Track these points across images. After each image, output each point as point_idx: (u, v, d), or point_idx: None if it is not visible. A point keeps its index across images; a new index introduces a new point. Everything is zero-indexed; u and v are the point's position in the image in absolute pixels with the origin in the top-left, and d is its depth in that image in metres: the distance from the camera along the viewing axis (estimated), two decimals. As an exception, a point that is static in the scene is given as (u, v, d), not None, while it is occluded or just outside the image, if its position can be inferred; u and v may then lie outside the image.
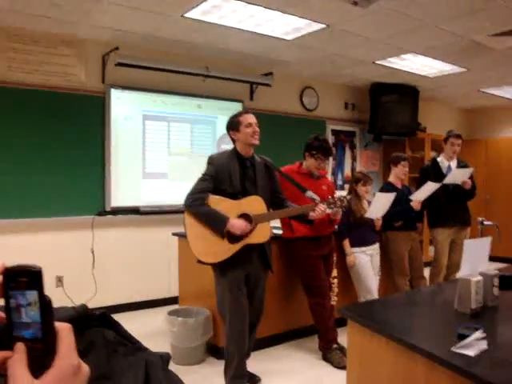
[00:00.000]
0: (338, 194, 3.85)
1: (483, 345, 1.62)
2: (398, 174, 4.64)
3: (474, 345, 1.61)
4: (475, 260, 2.37)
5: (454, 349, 1.59)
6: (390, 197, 4.19)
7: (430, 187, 4.48)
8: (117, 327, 1.33)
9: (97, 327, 1.26)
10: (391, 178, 4.68)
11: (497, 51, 5.20)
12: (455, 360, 1.52)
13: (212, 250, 2.95)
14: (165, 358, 1.30)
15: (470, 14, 4.08)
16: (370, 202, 4.23)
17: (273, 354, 3.98)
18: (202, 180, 3.01)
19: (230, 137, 3.14)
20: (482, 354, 1.56)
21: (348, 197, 3.36)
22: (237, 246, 2.95)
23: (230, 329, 3.06)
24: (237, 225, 2.91)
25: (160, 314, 4.44)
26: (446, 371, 1.54)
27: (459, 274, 2.12)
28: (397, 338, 1.76)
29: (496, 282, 2.13)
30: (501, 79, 6.61)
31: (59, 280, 4.71)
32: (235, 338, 3.05)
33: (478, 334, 1.66)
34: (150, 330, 4.43)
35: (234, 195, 3.00)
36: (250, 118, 3.07)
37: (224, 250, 2.94)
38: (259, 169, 3.14)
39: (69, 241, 4.77)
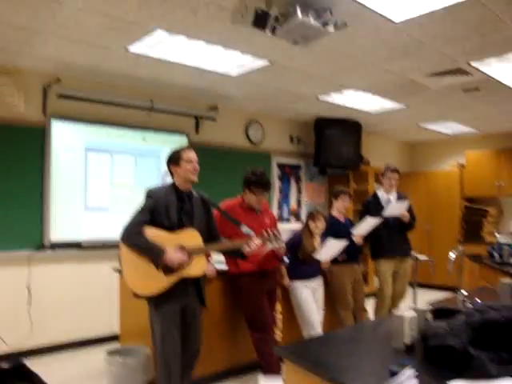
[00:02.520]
0: (285, 226, 3.88)
1: (413, 382, 1.63)
2: (339, 208, 4.71)
3: (403, 382, 1.62)
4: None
5: (384, 387, 1.60)
6: (341, 244, 4.21)
7: (369, 222, 4.59)
8: (32, 378, 1.26)
9: (10, 380, 1.20)
10: (333, 212, 4.76)
11: (432, 90, 5.46)
12: (386, 399, 1.52)
13: (147, 283, 2.91)
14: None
15: (405, 55, 4.28)
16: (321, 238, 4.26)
17: (216, 391, 3.88)
18: (139, 212, 2.98)
19: (170, 170, 3.14)
20: (411, 391, 1.58)
21: (282, 239, 3.36)
22: (172, 279, 2.93)
23: (161, 365, 2.98)
24: (174, 257, 2.89)
25: (100, 353, 4.27)
26: (378, 410, 1.54)
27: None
28: (329, 377, 1.75)
29: (429, 316, 2.18)
30: (437, 115, 6.94)
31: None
32: (167, 374, 2.96)
33: (409, 371, 1.68)
34: (90, 371, 4.25)
35: (171, 228, 2.98)
36: (192, 155, 3.09)
37: (159, 283, 2.91)
38: (196, 203, 3.15)
39: (2, 277, 4.53)
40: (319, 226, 4.24)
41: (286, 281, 4.21)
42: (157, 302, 2.96)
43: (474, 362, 1.69)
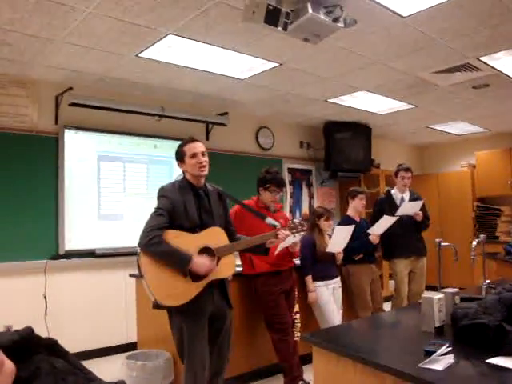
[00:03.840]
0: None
1: (450, 359, 1.61)
2: (357, 208, 4.70)
3: (441, 360, 1.60)
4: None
5: (421, 365, 1.57)
6: (349, 229, 4.22)
7: (386, 221, 4.55)
8: (67, 356, 1.24)
9: (44, 354, 1.18)
10: (349, 212, 4.74)
11: (441, 88, 5.46)
12: (424, 375, 1.50)
13: (174, 292, 2.65)
14: (119, 386, 1.22)
15: (414, 52, 4.29)
16: (330, 236, 4.25)
17: (238, 395, 3.83)
18: (157, 215, 2.71)
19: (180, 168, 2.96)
20: (449, 367, 1.55)
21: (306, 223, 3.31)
22: (202, 284, 2.70)
23: (187, 373, 2.77)
24: (200, 263, 2.65)
25: (118, 362, 4.23)
26: (416, 387, 1.51)
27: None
28: (364, 359, 1.72)
29: (457, 299, 2.15)
30: (446, 115, 6.92)
31: (8, 330, 4.42)
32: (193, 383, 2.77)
33: (444, 349, 1.65)
34: (108, 378, 4.19)
35: (192, 229, 2.76)
36: (195, 148, 2.85)
37: (187, 290, 2.66)
38: (213, 198, 2.95)
39: (19, 287, 4.52)
40: (331, 223, 4.23)
41: (312, 297, 4.12)
42: (182, 310, 2.69)
43: (510, 337, 1.66)
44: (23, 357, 0.94)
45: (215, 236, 2.84)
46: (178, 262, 2.63)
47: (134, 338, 4.53)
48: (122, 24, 3.56)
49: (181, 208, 2.75)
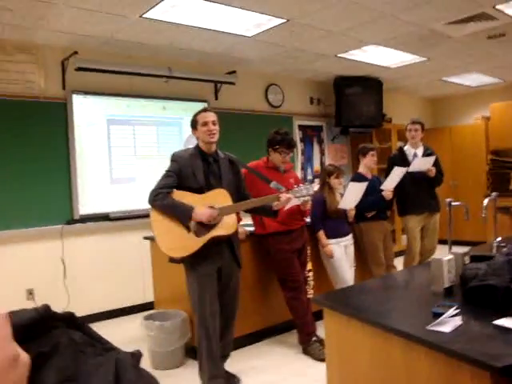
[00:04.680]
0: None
1: (458, 321, 1.63)
2: (368, 164, 4.67)
3: (448, 321, 1.62)
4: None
5: (429, 327, 1.60)
6: (362, 186, 4.21)
7: (397, 172, 4.53)
8: (84, 328, 1.28)
9: (62, 328, 1.21)
10: (361, 169, 4.71)
11: (454, 39, 5.30)
12: (431, 337, 1.52)
13: (180, 244, 2.91)
14: (136, 356, 1.25)
15: (425, 2, 4.14)
16: (342, 194, 4.25)
17: (253, 351, 3.95)
18: (166, 176, 3.00)
19: (194, 135, 3.17)
20: (457, 329, 1.57)
21: (313, 185, 3.31)
22: (205, 238, 2.92)
23: (200, 326, 3.01)
24: (201, 212, 2.87)
25: (136, 321, 4.36)
26: (423, 349, 1.54)
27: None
28: (372, 321, 1.75)
29: (467, 260, 2.16)
30: (460, 67, 6.74)
31: (30, 293, 4.58)
32: (204, 336, 2.99)
33: (452, 310, 1.67)
34: (127, 337, 4.35)
35: (200, 190, 2.99)
36: (206, 117, 3.07)
37: (192, 243, 2.91)
38: (223, 164, 3.14)
39: (38, 252, 4.64)
40: (342, 181, 4.22)
41: (328, 250, 4.15)
42: (192, 263, 2.98)
43: (518, 299, 1.68)
44: (43, 332, 0.97)
45: (219, 197, 3.02)
46: (181, 213, 2.90)
47: (151, 298, 4.65)
48: (124, -16, 3.48)
49: (188, 171, 3.01)
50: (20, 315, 1.07)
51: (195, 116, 3.13)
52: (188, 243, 2.91)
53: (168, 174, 3.00)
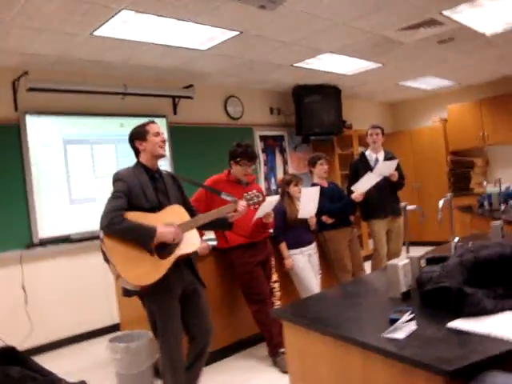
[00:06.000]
0: (274, 198, 3.85)
1: (413, 326, 1.63)
2: (319, 174, 4.67)
3: (404, 327, 1.62)
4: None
5: (384, 334, 1.59)
6: (315, 191, 4.20)
7: (370, 178, 4.54)
8: (24, 362, 1.23)
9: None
10: (315, 179, 4.72)
11: (407, 45, 5.41)
12: (386, 345, 1.52)
13: (145, 270, 2.64)
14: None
15: (375, 10, 4.21)
16: None
17: (223, 366, 3.89)
18: (114, 198, 2.69)
19: (135, 147, 2.91)
20: (411, 335, 1.57)
21: (258, 194, 3.24)
22: (170, 260, 2.71)
23: (165, 358, 2.83)
24: (166, 231, 2.66)
25: (103, 344, 4.25)
26: (380, 357, 1.54)
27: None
28: (330, 331, 1.74)
29: (423, 263, 2.18)
30: (415, 71, 6.89)
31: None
32: (171, 367, 2.82)
33: (407, 316, 1.68)
34: (94, 361, 4.24)
35: (151, 209, 2.76)
36: (158, 128, 2.91)
37: (157, 268, 2.66)
38: (168, 181, 2.97)
39: (-4, 279, 4.49)
40: (301, 189, 4.20)
41: (289, 263, 4.14)
42: (152, 291, 2.70)
43: (470, 299, 1.69)
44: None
45: (176, 213, 2.85)
46: (143, 236, 2.62)
47: (117, 319, 4.55)
48: (71, 2, 3.41)
49: (138, 190, 2.76)
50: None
51: (143, 126, 2.89)
52: (154, 267, 2.65)
53: (117, 195, 2.69)
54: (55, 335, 4.77)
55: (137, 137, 2.90)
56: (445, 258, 2.28)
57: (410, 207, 2.72)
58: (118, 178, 2.78)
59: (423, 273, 2.00)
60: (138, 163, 2.91)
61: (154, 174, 2.89)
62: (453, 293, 1.73)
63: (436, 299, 1.83)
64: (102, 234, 2.66)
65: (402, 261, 2.07)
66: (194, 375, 3.01)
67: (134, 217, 2.66)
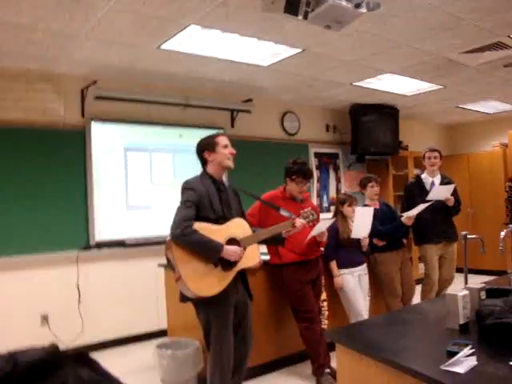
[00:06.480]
0: (324, 216, 3.85)
1: (473, 361, 1.59)
2: (370, 196, 4.63)
3: (463, 361, 1.58)
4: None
5: (443, 366, 1.56)
6: (369, 211, 4.17)
7: (420, 208, 4.47)
8: (92, 364, 1.27)
9: (70, 366, 1.20)
10: (366, 201, 4.68)
11: (470, 68, 5.30)
12: (445, 378, 1.49)
13: (208, 282, 2.72)
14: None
15: (440, 32, 4.16)
16: None
17: (266, 382, 3.88)
18: (185, 207, 2.78)
19: (203, 158, 3.00)
20: (472, 370, 1.53)
21: (310, 212, 3.29)
22: (233, 273, 2.82)
23: (215, 364, 2.88)
24: (231, 251, 2.76)
25: (149, 348, 4.34)
26: (437, 390, 1.50)
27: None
28: (385, 359, 1.72)
29: (483, 295, 2.12)
30: (476, 94, 6.72)
31: (44, 318, 4.60)
32: (220, 375, 2.87)
33: (467, 350, 1.63)
34: (140, 365, 4.33)
35: (216, 220, 2.85)
36: (227, 140, 3.00)
37: (221, 279, 2.76)
38: (230, 193, 3.05)
39: (53, 277, 4.67)
40: (355, 209, 4.17)
41: (338, 281, 4.13)
42: (209, 301, 2.77)
43: (536, 338, 1.63)
44: (50, 372, 0.96)
45: (239, 227, 2.95)
46: (210, 251, 2.73)
47: (164, 325, 4.63)
48: (143, 17, 3.56)
49: (206, 200, 2.85)
50: (27, 355, 1.07)
51: (213, 138, 2.99)
52: (217, 279, 2.76)
53: (187, 205, 2.78)
54: (104, 336, 4.90)
55: (206, 147, 2.99)
56: (507, 291, 2.22)
57: (470, 236, 2.66)
58: (188, 187, 2.88)
59: (483, 305, 1.94)
60: (206, 173, 2.99)
61: (219, 185, 2.98)
62: (516, 330, 1.68)
63: (497, 335, 1.77)
64: (169, 241, 2.75)
65: (461, 291, 2.02)
66: (236, 381, 3.07)
67: (202, 228, 2.75)
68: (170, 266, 2.83)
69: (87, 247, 4.87)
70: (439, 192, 4.70)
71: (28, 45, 4.00)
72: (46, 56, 4.30)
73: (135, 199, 5.22)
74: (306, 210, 3.29)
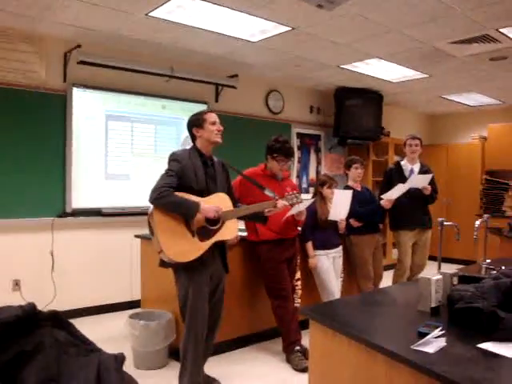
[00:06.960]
0: (304, 196, 3.87)
1: (442, 342, 1.63)
2: (353, 177, 4.69)
3: (433, 342, 1.63)
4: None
5: (413, 346, 1.60)
6: (347, 194, 4.21)
7: (399, 188, 4.58)
8: (69, 327, 1.27)
9: (47, 327, 1.20)
10: (349, 182, 4.73)
11: (457, 58, 5.33)
12: (415, 357, 1.53)
13: (185, 248, 2.83)
14: (119, 359, 1.25)
15: (431, 20, 4.17)
16: None
17: (236, 357, 3.94)
18: (167, 175, 2.87)
19: (192, 134, 3.08)
20: (441, 350, 1.58)
21: (299, 195, 3.36)
22: (207, 244, 2.89)
23: (190, 331, 2.96)
24: (208, 208, 2.83)
25: (122, 318, 4.34)
26: (407, 368, 1.54)
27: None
28: (358, 337, 1.75)
29: (455, 280, 2.17)
30: (460, 86, 6.79)
31: (16, 284, 4.55)
32: (193, 342, 2.95)
33: (437, 331, 1.68)
34: (111, 334, 4.33)
35: (200, 193, 2.92)
36: (215, 117, 3.07)
37: (196, 248, 2.85)
38: (218, 168, 3.12)
39: (27, 243, 4.61)
40: (334, 191, 4.21)
41: (313, 262, 4.17)
42: (187, 269, 2.89)
43: (503, 323, 1.68)
44: (27, 331, 0.97)
45: (222, 201, 3.01)
46: (188, 209, 2.80)
47: (138, 296, 4.64)
48: (132, -18, 3.48)
49: (191, 172, 2.94)
50: (4, 312, 1.06)
51: (201, 114, 3.07)
52: (192, 247, 2.85)
53: (169, 174, 2.87)
54: (76, 304, 4.88)
55: (194, 124, 3.07)
56: (478, 278, 2.28)
57: (447, 223, 2.71)
58: (173, 158, 2.97)
59: (455, 290, 1.99)
60: (194, 147, 3.07)
61: (206, 159, 3.05)
62: (485, 315, 1.73)
63: (466, 319, 1.82)
64: (151, 209, 2.84)
65: (435, 275, 2.06)
66: (206, 348, 3.14)
67: (182, 196, 2.84)
68: (151, 232, 2.88)
69: (63, 214, 4.81)
70: (417, 180, 4.77)
71: (9, 1, 3.85)
72: (29, 14, 4.15)
73: (114, 168, 5.16)
74: (291, 192, 3.33)
